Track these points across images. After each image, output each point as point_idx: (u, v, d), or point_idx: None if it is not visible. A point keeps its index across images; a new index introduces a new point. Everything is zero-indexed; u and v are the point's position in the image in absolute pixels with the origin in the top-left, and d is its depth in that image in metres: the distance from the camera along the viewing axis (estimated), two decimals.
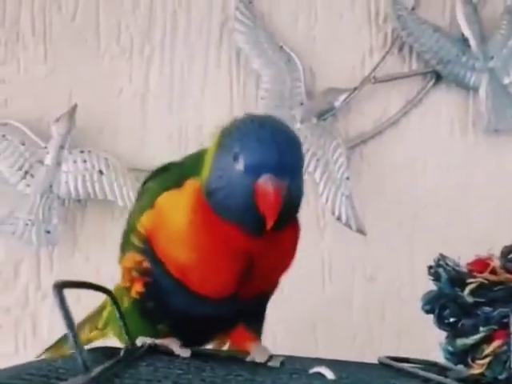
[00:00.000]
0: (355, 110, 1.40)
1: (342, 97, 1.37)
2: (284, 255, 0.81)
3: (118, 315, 0.79)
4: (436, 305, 0.87)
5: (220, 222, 0.75)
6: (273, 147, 0.72)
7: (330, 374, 0.73)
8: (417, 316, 0.89)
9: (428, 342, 0.90)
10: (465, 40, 1.37)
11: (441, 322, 0.88)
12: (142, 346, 0.76)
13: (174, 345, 0.76)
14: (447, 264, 0.86)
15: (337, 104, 1.37)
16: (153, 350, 0.75)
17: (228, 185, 0.74)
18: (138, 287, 0.81)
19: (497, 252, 0.91)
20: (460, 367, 0.87)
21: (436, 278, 0.87)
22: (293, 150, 0.74)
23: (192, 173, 0.78)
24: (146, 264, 0.79)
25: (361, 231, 1.34)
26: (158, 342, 0.77)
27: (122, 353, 0.69)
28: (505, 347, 0.79)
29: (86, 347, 0.87)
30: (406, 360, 0.96)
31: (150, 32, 1.41)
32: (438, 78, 1.39)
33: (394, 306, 1.36)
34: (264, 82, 1.38)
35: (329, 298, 1.36)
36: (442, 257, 0.87)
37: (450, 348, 0.86)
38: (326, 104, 1.38)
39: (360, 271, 1.38)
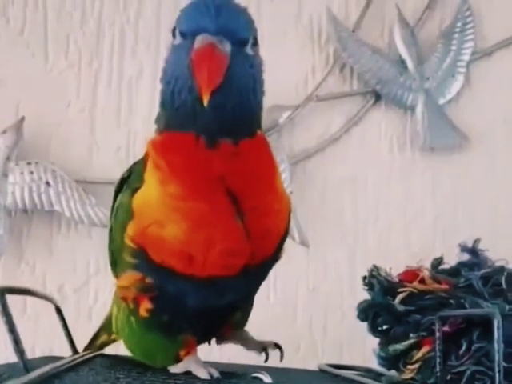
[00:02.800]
0: (299, 127, 1.43)
1: (286, 114, 1.41)
2: (263, 173, 0.72)
3: (62, 325, 0.78)
4: (370, 313, 0.91)
5: (178, 138, 0.68)
6: (208, 6, 0.64)
7: (267, 379, 0.75)
8: (357, 325, 0.93)
9: (368, 350, 0.94)
10: (402, 62, 1.43)
11: (374, 329, 0.92)
12: (87, 353, 0.77)
13: (200, 371, 0.73)
14: (380, 274, 0.90)
15: (281, 120, 1.41)
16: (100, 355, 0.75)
17: (171, 74, 0.68)
18: (145, 305, 0.74)
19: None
20: (393, 372, 0.91)
21: (370, 287, 0.91)
22: (238, 14, 0.66)
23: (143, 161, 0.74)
24: (148, 279, 0.72)
25: (304, 243, 1.37)
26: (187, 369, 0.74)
27: (67, 358, 0.70)
28: (433, 353, 0.83)
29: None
30: (345, 367, 1.00)
31: (98, 46, 1.44)
32: (378, 97, 1.44)
33: (335, 316, 1.39)
34: None
35: (274, 309, 1.39)
36: (376, 268, 0.92)
37: (383, 354, 0.90)
38: (270, 120, 1.41)
39: (303, 283, 1.41)
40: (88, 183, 1.38)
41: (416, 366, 0.86)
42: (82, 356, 0.76)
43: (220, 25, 0.63)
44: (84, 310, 1.37)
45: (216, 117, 0.65)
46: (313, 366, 1.01)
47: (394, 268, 0.94)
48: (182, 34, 0.66)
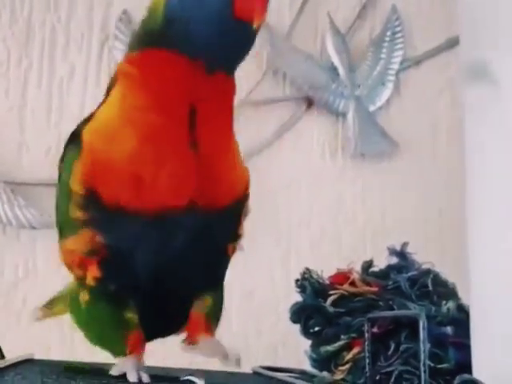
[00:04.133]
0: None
1: None
2: (226, 113, 0.71)
3: None
4: (302, 315, 0.93)
5: (169, 57, 0.65)
6: None
7: (200, 382, 0.75)
8: (292, 328, 0.95)
9: (302, 352, 0.95)
10: (334, 69, 1.45)
11: (306, 331, 0.93)
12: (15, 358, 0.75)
13: (131, 374, 0.69)
14: (312, 277, 0.92)
15: None
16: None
17: (193, 1, 0.64)
18: (93, 272, 0.69)
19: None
20: (325, 373, 0.92)
21: (302, 290, 0.93)
22: None
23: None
24: (98, 237, 0.68)
25: (239, 247, 1.37)
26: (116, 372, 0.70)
27: None
28: (362, 354, 0.85)
29: None
30: (279, 369, 1.01)
31: (28, 46, 1.41)
32: (310, 103, 1.46)
33: (270, 319, 1.40)
34: None
35: None
36: (308, 270, 0.93)
37: (315, 355, 0.92)
38: None
39: (239, 286, 1.42)
40: (17, 184, 1.34)
41: (347, 366, 0.88)
42: (10, 360, 0.74)
43: None
44: (12, 314, 1.34)
45: (235, 48, 0.66)
46: (247, 368, 1.02)
47: (326, 271, 0.96)
48: None
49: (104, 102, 0.71)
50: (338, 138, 1.47)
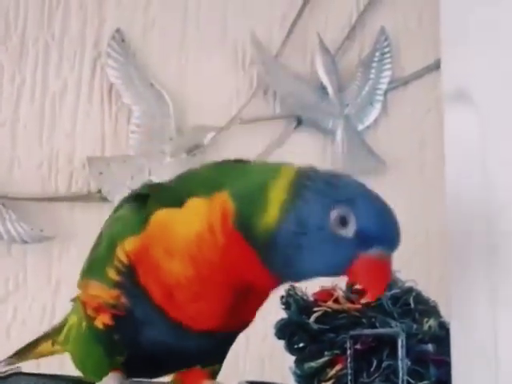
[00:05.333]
0: (223, 148, 1.45)
1: (210, 135, 1.44)
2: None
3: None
4: (286, 331, 0.94)
5: (255, 261, 0.65)
6: (391, 219, 0.65)
7: None
8: (278, 343, 0.96)
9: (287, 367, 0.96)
10: (323, 88, 1.48)
11: (291, 347, 0.95)
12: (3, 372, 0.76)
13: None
14: (296, 294, 0.93)
15: (205, 141, 1.44)
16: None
17: (310, 246, 0.63)
18: (105, 319, 0.72)
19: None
20: None
21: (287, 306, 0.94)
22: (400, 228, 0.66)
23: (196, 192, 0.68)
24: (123, 299, 0.70)
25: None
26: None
27: None
28: (345, 370, 0.86)
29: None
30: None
31: (21, 62, 1.43)
32: (300, 121, 1.48)
33: (258, 333, 1.41)
34: (135, 117, 1.42)
35: None
36: (292, 287, 0.94)
37: (299, 371, 0.93)
38: (195, 140, 1.44)
39: None
40: (9, 199, 1.36)
41: (330, 383, 0.89)
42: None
43: (397, 243, 0.65)
44: (2, 328, 1.35)
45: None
46: (234, 383, 1.03)
47: (312, 287, 0.97)
48: (361, 234, 0.62)
49: (183, 204, 0.69)
50: (327, 156, 1.49)
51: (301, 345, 0.94)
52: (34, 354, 0.94)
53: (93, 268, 0.76)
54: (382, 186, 1.53)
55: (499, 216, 0.72)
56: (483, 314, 0.76)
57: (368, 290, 0.65)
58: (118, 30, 1.43)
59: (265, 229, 0.63)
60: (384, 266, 0.64)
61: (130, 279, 0.69)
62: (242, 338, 1.38)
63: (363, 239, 0.62)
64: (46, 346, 0.91)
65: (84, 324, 0.77)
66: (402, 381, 0.69)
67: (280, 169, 0.66)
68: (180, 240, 0.67)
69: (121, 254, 0.69)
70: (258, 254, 0.64)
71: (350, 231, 0.62)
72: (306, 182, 0.64)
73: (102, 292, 0.72)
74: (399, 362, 0.69)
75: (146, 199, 0.71)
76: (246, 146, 1.46)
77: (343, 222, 0.62)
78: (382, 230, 0.63)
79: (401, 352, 0.69)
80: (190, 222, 0.67)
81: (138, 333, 0.72)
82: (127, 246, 0.69)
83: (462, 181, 0.80)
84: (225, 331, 0.73)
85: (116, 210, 0.76)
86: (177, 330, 0.70)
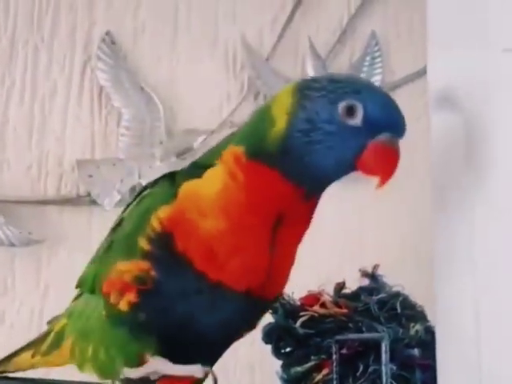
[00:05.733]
0: None
1: (201, 138, 1.43)
2: (303, 230, 0.76)
3: None
4: (273, 336, 0.94)
5: (277, 180, 0.68)
6: (396, 105, 0.70)
7: None
8: (267, 347, 0.96)
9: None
10: None
11: (278, 352, 0.95)
12: None
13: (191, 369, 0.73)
14: (283, 298, 0.93)
15: (195, 145, 1.43)
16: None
17: (322, 141, 0.66)
18: (130, 297, 0.72)
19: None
20: None
21: (274, 311, 0.94)
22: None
23: (211, 162, 0.73)
24: (153, 272, 0.71)
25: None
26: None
27: None
28: (332, 375, 0.86)
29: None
30: None
31: (11, 65, 1.42)
32: None
33: (247, 338, 1.41)
34: (125, 120, 1.42)
35: None
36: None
37: (285, 376, 0.93)
38: (185, 144, 1.43)
39: None
40: None
41: None
42: None
43: (404, 128, 0.69)
44: None
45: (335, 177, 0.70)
46: None
47: (303, 292, 0.97)
48: (369, 120, 0.66)
49: (203, 173, 0.72)
50: None
51: (288, 349, 0.94)
52: (12, 365, 0.91)
53: (118, 244, 0.76)
54: (372, 192, 1.55)
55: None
56: (468, 318, 0.76)
57: (379, 174, 0.68)
58: (108, 33, 1.43)
59: (275, 138, 0.67)
60: (393, 151, 0.67)
61: (165, 249, 0.70)
62: (231, 347, 1.40)
63: (371, 126, 0.66)
64: (25, 357, 0.89)
65: (102, 314, 0.75)
66: None
67: (279, 93, 0.71)
68: (208, 199, 0.70)
69: (155, 221, 0.71)
70: (277, 168, 0.68)
71: (358, 119, 0.66)
72: (310, 83, 0.69)
73: (130, 266, 0.72)
74: (383, 367, 0.69)
75: (172, 177, 0.74)
76: None
77: (351, 111, 0.66)
78: (389, 116, 0.67)
79: (384, 357, 0.69)
80: (213, 182, 0.70)
81: (168, 309, 0.72)
82: (161, 214, 0.71)
83: (448, 184, 0.80)
84: (262, 295, 0.73)
85: (139, 194, 0.78)
86: (216, 293, 0.71)
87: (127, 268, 0.72)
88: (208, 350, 0.78)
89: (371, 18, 1.52)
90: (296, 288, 0.95)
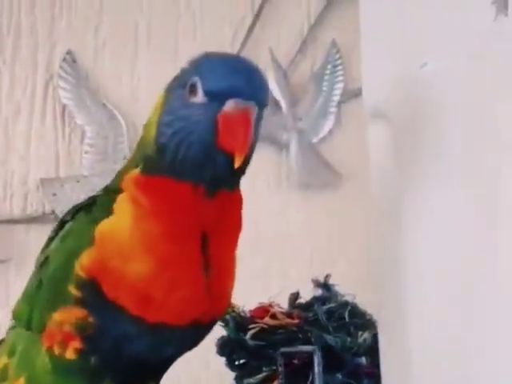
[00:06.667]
0: None
1: None
2: (233, 236, 0.72)
3: None
4: (226, 349, 0.95)
5: (173, 186, 0.65)
6: (238, 69, 0.64)
7: None
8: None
9: None
10: (276, 102, 1.49)
11: (231, 364, 0.95)
12: None
13: None
14: (234, 311, 0.94)
15: None
16: None
17: (182, 128, 0.64)
18: (75, 344, 0.68)
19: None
20: None
21: (225, 324, 0.95)
22: (262, 79, 0.66)
23: (118, 187, 0.69)
24: (91, 318, 0.67)
25: None
26: None
27: None
28: None
29: None
30: None
31: None
32: None
33: (202, 349, 1.41)
34: (88, 138, 1.43)
35: None
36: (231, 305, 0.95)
37: None
38: None
39: None
40: None
41: None
42: None
43: (252, 90, 0.64)
44: None
45: (226, 173, 0.65)
46: None
47: (250, 304, 0.98)
48: (209, 93, 0.63)
49: (112, 204, 0.69)
50: (282, 170, 1.50)
51: (241, 361, 0.95)
52: None
53: (51, 292, 0.71)
54: (339, 198, 1.56)
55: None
56: (410, 325, 0.77)
57: (233, 145, 0.62)
58: (69, 52, 1.44)
59: (151, 142, 0.66)
60: (240, 117, 0.62)
61: (95, 296, 0.67)
62: (201, 354, 1.41)
63: (213, 98, 0.63)
64: None
65: (49, 365, 0.70)
66: None
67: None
68: (125, 239, 0.66)
69: (79, 269, 0.67)
70: (166, 174, 0.66)
71: (199, 95, 0.63)
72: (174, 77, 0.68)
73: (69, 315, 0.68)
74: (316, 380, 0.70)
75: (89, 210, 0.71)
76: None
77: (193, 89, 0.63)
78: (228, 83, 0.63)
79: (317, 368, 0.70)
80: (123, 216, 0.67)
81: (118, 348, 0.68)
82: (84, 260, 0.67)
83: (383, 194, 0.81)
84: (208, 320, 0.71)
85: (62, 222, 0.74)
86: (159, 334, 0.68)
87: (64, 318, 0.68)
88: (159, 373, 0.77)
89: (331, 26, 1.53)
90: (247, 301, 0.97)
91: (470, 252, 0.69)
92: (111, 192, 0.70)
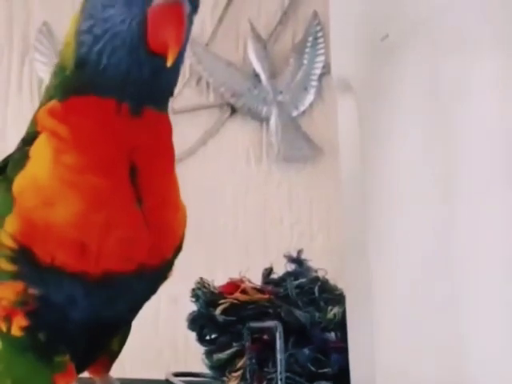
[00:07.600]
0: None
1: None
2: (165, 156, 0.65)
3: None
4: (197, 324, 0.94)
5: (94, 104, 0.59)
6: None
7: None
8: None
9: None
10: (256, 75, 1.47)
11: (202, 339, 0.95)
12: None
13: None
14: (205, 286, 0.94)
15: None
16: None
17: (105, 31, 0.58)
18: (20, 322, 0.64)
19: None
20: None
21: (196, 299, 0.94)
22: None
23: (34, 131, 0.62)
24: (31, 289, 0.62)
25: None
26: None
27: None
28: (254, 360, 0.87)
29: None
30: (193, 374, 1.03)
31: None
32: (233, 110, 1.48)
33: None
34: None
35: (137, 319, 1.41)
36: (201, 280, 0.95)
37: (208, 363, 0.93)
38: None
39: (165, 293, 1.43)
40: None
41: (239, 373, 0.90)
42: None
43: None
44: None
45: (153, 82, 0.60)
46: (161, 375, 1.04)
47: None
48: None
49: (28, 151, 0.62)
50: (263, 144, 1.50)
51: (212, 336, 0.94)
52: None
53: None
54: (319, 173, 1.56)
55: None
56: (376, 298, 0.77)
57: (163, 42, 0.57)
58: (45, 23, 1.42)
59: (69, 57, 0.60)
60: (174, 10, 0.56)
61: (30, 265, 0.61)
62: (182, 331, 1.41)
63: None
64: None
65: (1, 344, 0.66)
66: (280, 372, 0.70)
67: None
68: (47, 186, 0.60)
69: (6, 240, 0.61)
70: (88, 92, 0.59)
71: None
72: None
73: (6, 291, 0.63)
74: (277, 355, 0.70)
75: (3, 171, 0.63)
76: (179, 136, 1.42)
77: None
78: None
79: (279, 344, 0.70)
80: (41, 160, 0.60)
81: (66, 316, 0.64)
82: (9, 228, 0.60)
83: (350, 165, 0.81)
84: (157, 262, 0.65)
85: None
86: (107, 285, 0.62)
87: (3, 295, 0.63)
88: (119, 330, 0.73)
89: None
90: (218, 276, 0.96)
91: (434, 224, 0.68)
92: (26, 143, 0.63)
